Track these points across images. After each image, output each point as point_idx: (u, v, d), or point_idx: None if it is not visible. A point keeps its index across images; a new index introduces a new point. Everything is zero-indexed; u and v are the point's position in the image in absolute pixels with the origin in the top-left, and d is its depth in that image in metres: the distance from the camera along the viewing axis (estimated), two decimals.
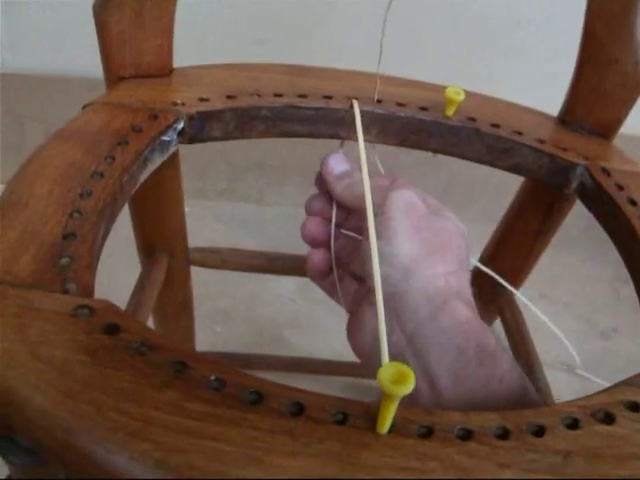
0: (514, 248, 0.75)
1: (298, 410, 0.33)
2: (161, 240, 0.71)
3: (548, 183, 0.61)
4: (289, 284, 1.25)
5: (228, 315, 1.17)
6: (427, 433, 0.33)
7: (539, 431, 0.34)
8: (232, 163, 1.38)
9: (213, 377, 0.34)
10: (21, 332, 0.34)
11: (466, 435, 0.34)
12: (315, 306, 1.18)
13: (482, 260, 0.77)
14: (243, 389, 0.34)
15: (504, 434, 0.34)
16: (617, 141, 0.64)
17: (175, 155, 0.64)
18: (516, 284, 0.75)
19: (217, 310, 1.18)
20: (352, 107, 0.57)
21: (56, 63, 1.19)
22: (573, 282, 1.37)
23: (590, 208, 0.58)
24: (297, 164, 1.37)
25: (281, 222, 1.40)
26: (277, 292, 1.24)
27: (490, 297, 0.78)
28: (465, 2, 1.16)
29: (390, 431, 0.33)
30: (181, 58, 0.62)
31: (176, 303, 0.79)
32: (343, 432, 0.32)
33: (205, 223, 1.36)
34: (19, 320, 0.35)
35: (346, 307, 0.54)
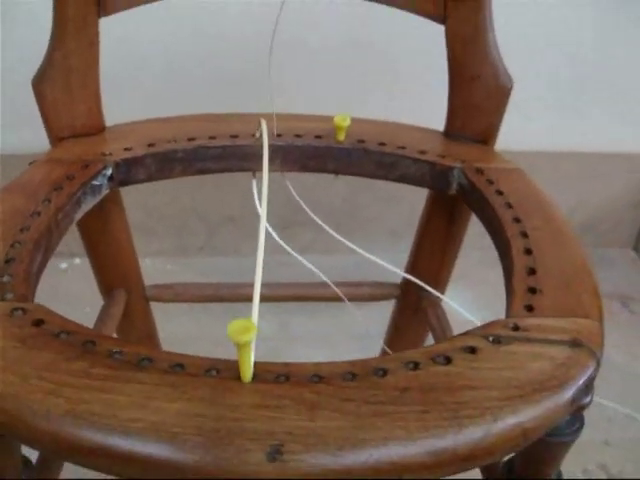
0: (429, 255, 0.83)
1: (180, 369, 0.42)
2: (116, 278, 0.80)
3: (433, 188, 0.69)
4: (268, 323, 1.32)
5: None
6: (284, 380, 0.42)
7: (382, 373, 0.42)
8: (206, 220, 1.45)
9: (114, 350, 0.43)
10: None
11: (317, 380, 0.42)
12: (293, 342, 1.25)
13: (406, 270, 0.85)
14: (137, 356, 0.43)
15: (352, 378, 0.42)
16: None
17: (116, 200, 0.74)
18: (438, 290, 0.82)
19: (194, 352, 1.24)
20: (260, 127, 0.65)
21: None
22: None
23: (469, 205, 0.67)
24: (267, 215, 1.44)
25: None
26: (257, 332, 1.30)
27: (416, 305, 0.86)
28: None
29: (253, 380, 0.42)
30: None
31: (138, 337, 0.88)
32: (214, 382, 0.41)
33: (187, 279, 1.44)
34: None
35: None
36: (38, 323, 0.45)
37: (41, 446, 0.40)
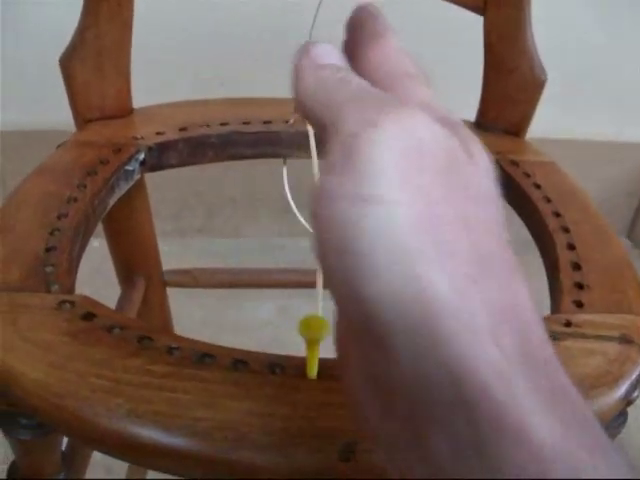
0: None
1: (243, 366, 0.41)
2: (136, 264, 0.79)
3: None
4: (270, 308, 1.32)
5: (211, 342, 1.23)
6: None
7: None
8: (207, 202, 1.44)
9: (173, 345, 0.42)
10: (13, 324, 0.42)
11: None
12: (294, 327, 1.24)
13: None
14: (197, 352, 0.41)
15: None
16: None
17: (142, 185, 0.72)
18: None
19: (200, 338, 1.24)
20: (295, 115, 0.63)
21: (34, 119, 1.26)
22: (535, 281, 1.44)
23: (505, 198, 0.65)
24: (268, 197, 1.44)
25: (258, 253, 1.47)
26: (258, 317, 1.31)
27: None
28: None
29: (319, 377, 0.41)
30: (147, 100, 0.70)
31: (155, 324, 0.86)
32: (279, 380, 0.40)
33: (185, 260, 1.42)
34: (10, 315, 0.43)
35: None
36: (88, 317, 0.44)
37: (103, 446, 0.39)
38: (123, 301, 0.75)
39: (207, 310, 1.29)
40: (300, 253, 1.44)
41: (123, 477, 0.89)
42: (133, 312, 0.74)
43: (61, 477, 0.52)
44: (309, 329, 0.38)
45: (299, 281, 0.86)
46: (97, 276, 1.06)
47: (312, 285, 0.82)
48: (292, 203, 0.64)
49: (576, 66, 1.33)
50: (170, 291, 0.88)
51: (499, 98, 0.72)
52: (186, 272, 0.83)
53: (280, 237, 1.48)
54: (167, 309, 0.89)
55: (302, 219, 0.65)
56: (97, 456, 0.60)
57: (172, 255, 1.43)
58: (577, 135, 1.45)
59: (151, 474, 0.93)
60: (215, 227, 1.48)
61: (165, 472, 0.39)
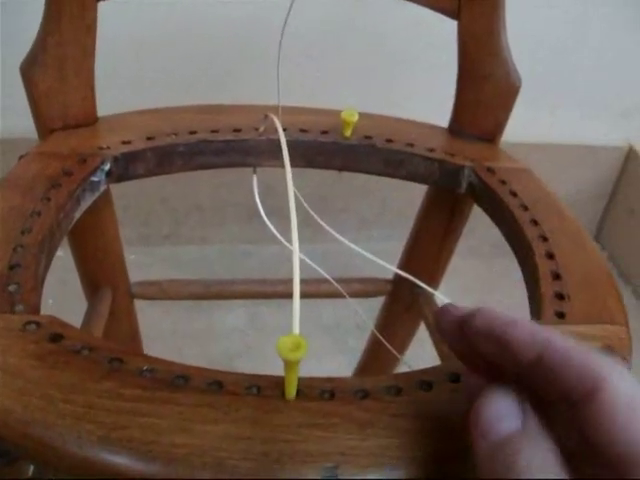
0: (425, 252, 0.82)
1: (217, 387, 0.39)
2: (103, 275, 0.77)
3: (441, 186, 0.68)
4: (240, 316, 1.30)
5: (181, 351, 1.21)
6: (330, 396, 0.39)
7: (428, 387, 0.41)
8: (173, 208, 1.43)
9: (145, 367, 0.40)
10: None
11: (364, 395, 0.40)
12: (265, 336, 1.23)
13: (399, 266, 0.84)
14: (170, 374, 0.40)
15: (397, 392, 0.40)
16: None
17: (108, 196, 0.70)
18: (432, 286, 0.81)
19: (170, 348, 1.22)
20: (266, 117, 0.62)
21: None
22: (510, 286, 1.44)
23: (480, 205, 0.65)
24: (234, 203, 1.43)
25: (225, 259, 1.45)
26: (228, 325, 1.29)
27: (410, 301, 0.84)
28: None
29: (297, 397, 0.39)
30: (112, 109, 0.68)
31: (123, 336, 0.84)
32: (257, 401, 0.38)
33: (152, 269, 1.41)
34: None
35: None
36: (56, 338, 0.42)
37: (73, 475, 0.37)
38: (90, 314, 0.73)
39: (175, 319, 1.28)
40: (266, 260, 1.43)
41: None
42: (101, 325, 0.72)
43: None
44: (288, 349, 0.37)
45: (269, 291, 0.84)
46: (62, 287, 1.04)
47: (282, 296, 0.81)
48: (262, 210, 0.63)
49: (545, 67, 1.34)
50: (138, 301, 0.86)
51: (473, 104, 0.71)
52: (154, 284, 0.81)
53: (247, 244, 1.47)
54: (135, 321, 0.87)
55: (271, 226, 0.63)
56: None
57: (138, 264, 1.42)
58: (544, 138, 1.45)
59: None
60: (182, 234, 1.47)
61: None
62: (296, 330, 0.39)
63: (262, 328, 1.26)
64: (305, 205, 0.66)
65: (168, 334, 1.24)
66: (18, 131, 1.15)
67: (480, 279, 1.46)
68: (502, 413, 0.32)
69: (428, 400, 0.40)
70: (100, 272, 0.77)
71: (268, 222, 0.64)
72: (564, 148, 1.47)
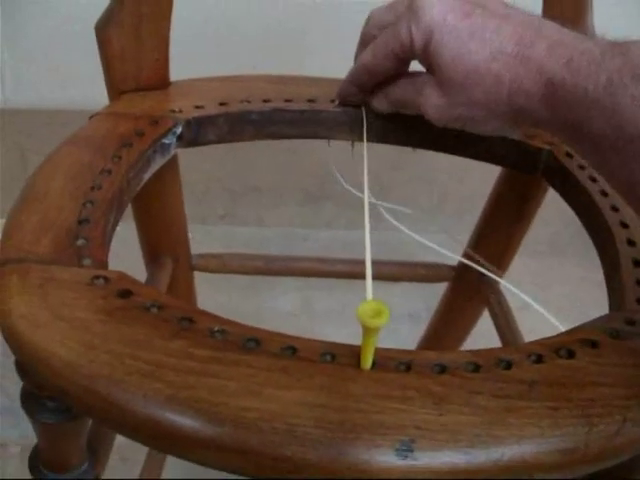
0: (495, 237, 0.79)
1: (291, 352, 0.38)
2: (165, 244, 0.76)
3: (515, 168, 0.65)
4: (292, 299, 1.29)
5: None
6: (406, 369, 0.38)
7: (507, 365, 0.39)
8: (230, 189, 1.42)
9: (216, 328, 0.39)
10: (44, 299, 0.39)
11: (441, 370, 0.38)
12: (317, 319, 1.22)
13: (466, 250, 0.82)
14: (242, 337, 0.38)
15: (475, 368, 0.38)
16: None
17: (175, 162, 0.69)
18: (499, 273, 0.79)
19: None
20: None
21: (56, 97, 1.24)
22: (566, 286, 1.41)
23: (556, 188, 0.63)
24: (292, 186, 1.42)
25: (281, 242, 1.45)
26: (281, 307, 1.28)
27: (476, 288, 0.82)
28: None
29: (373, 368, 0.37)
30: (180, 76, 0.67)
31: None
32: (331, 369, 0.37)
33: (208, 247, 1.40)
34: (42, 290, 0.40)
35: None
36: (125, 294, 0.41)
37: (137, 434, 0.36)
38: (150, 282, 0.72)
39: (227, 299, 1.27)
40: (322, 245, 1.41)
41: (138, 465, 0.86)
42: None
43: (85, 466, 0.49)
44: (368, 315, 0.35)
45: (328, 270, 0.83)
46: (116, 260, 1.03)
47: (341, 275, 0.79)
48: (340, 178, 0.61)
49: None
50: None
51: None
52: (215, 256, 0.80)
53: (303, 228, 1.46)
54: (194, 294, 0.86)
55: (352, 189, 0.61)
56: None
57: (194, 242, 1.42)
58: None
59: (168, 467, 0.90)
60: (238, 215, 1.46)
61: (206, 465, 0.36)
62: (369, 296, 0.37)
63: (314, 313, 1.25)
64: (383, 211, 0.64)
65: (223, 313, 1.23)
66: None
67: (534, 277, 1.43)
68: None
69: (507, 378, 0.38)
70: (162, 240, 0.76)
71: (341, 178, 0.62)
72: None
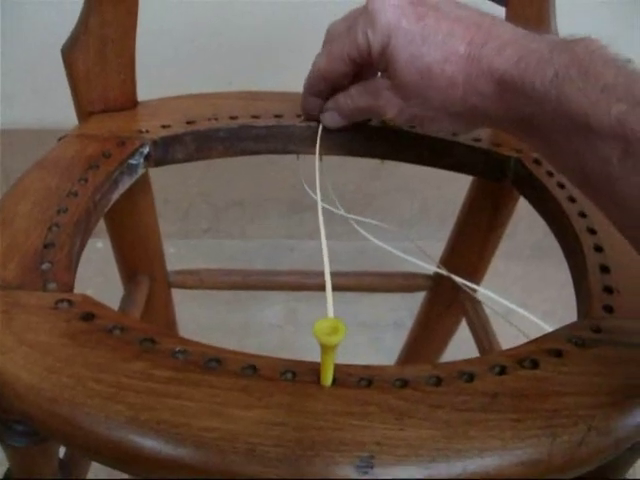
0: (469, 247, 0.80)
1: (252, 371, 0.38)
2: (140, 263, 0.76)
3: (487, 178, 0.66)
4: (277, 312, 1.29)
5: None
6: (367, 384, 0.38)
7: (469, 378, 0.39)
8: (213, 203, 1.42)
9: (177, 349, 0.39)
10: (8, 324, 0.40)
11: (402, 384, 0.38)
12: (301, 330, 1.22)
13: (441, 261, 0.82)
14: (203, 356, 0.39)
15: (437, 382, 0.38)
16: None
17: (146, 181, 0.70)
18: (475, 281, 0.80)
19: (206, 342, 1.21)
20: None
21: (40, 117, 1.24)
22: (550, 290, 1.41)
23: (526, 197, 0.63)
24: (275, 198, 1.42)
25: (265, 254, 1.45)
26: (265, 320, 1.28)
27: (453, 296, 0.82)
28: None
29: (334, 384, 0.38)
30: (152, 96, 0.68)
31: (159, 326, 0.84)
32: (292, 387, 0.37)
33: (192, 262, 1.40)
34: (7, 315, 0.40)
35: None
36: (88, 317, 0.41)
37: (100, 457, 0.37)
38: (126, 301, 0.73)
39: (213, 313, 1.27)
40: (308, 255, 1.42)
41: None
42: (137, 313, 0.71)
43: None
44: (325, 333, 0.35)
45: (308, 283, 0.83)
46: (100, 278, 1.04)
47: (322, 288, 0.79)
48: (310, 191, 0.61)
49: None
50: (175, 294, 0.85)
51: None
52: (192, 273, 0.80)
53: (288, 239, 1.46)
54: (172, 311, 0.86)
55: (312, 194, 0.62)
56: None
57: (178, 257, 1.42)
58: None
59: None
60: (222, 229, 1.46)
61: None
62: (330, 314, 0.38)
63: (300, 324, 1.24)
64: (337, 202, 0.64)
65: (205, 328, 1.23)
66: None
67: (519, 282, 1.43)
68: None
69: (469, 391, 0.38)
70: (137, 259, 0.76)
71: (311, 192, 0.62)
72: None
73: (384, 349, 1.22)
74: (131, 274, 0.76)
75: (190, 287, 0.81)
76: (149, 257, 0.77)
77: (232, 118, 0.64)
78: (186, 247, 1.43)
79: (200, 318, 1.24)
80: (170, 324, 0.87)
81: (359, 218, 0.63)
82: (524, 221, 1.34)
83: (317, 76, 0.57)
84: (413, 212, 1.45)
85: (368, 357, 1.20)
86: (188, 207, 1.41)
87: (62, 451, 0.52)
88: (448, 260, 0.82)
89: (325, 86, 0.58)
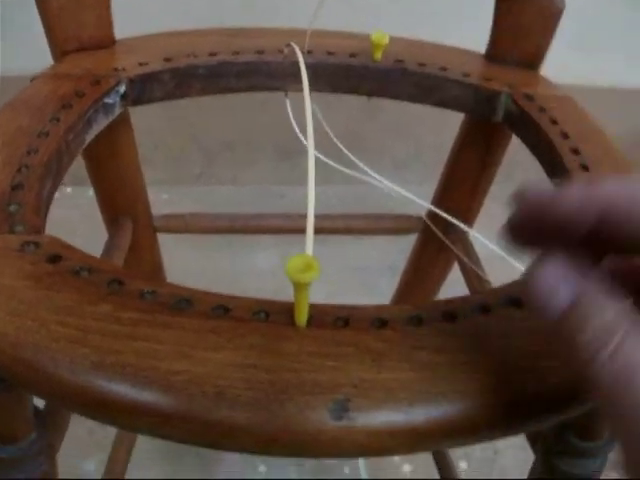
0: (460, 187, 0.78)
1: (223, 312, 0.37)
2: (122, 205, 0.74)
3: (477, 115, 0.64)
4: (269, 257, 1.28)
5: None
6: (344, 324, 0.37)
7: (451, 318, 0.38)
8: (204, 148, 1.41)
9: (146, 290, 0.37)
10: None
11: (381, 324, 0.37)
12: None
13: (433, 202, 0.80)
14: (173, 297, 0.37)
15: (418, 322, 0.37)
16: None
17: (126, 121, 0.67)
18: (467, 223, 0.78)
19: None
20: (289, 47, 0.59)
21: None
22: None
23: (517, 134, 0.61)
24: (266, 143, 1.40)
25: (257, 200, 1.43)
26: (257, 266, 1.27)
27: (442, 241, 0.81)
28: None
29: (309, 325, 0.36)
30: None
31: (144, 270, 0.82)
32: (264, 327, 0.36)
33: (184, 208, 1.39)
34: None
35: None
36: (54, 259, 0.39)
37: (64, 402, 0.36)
38: (109, 246, 0.71)
39: (203, 260, 1.26)
40: (300, 201, 1.40)
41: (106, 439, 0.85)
42: (120, 258, 0.69)
43: (32, 437, 0.48)
44: (298, 270, 0.34)
45: (296, 227, 0.81)
46: (88, 225, 1.02)
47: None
48: (298, 132, 0.59)
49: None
50: (165, 240, 0.84)
51: (513, 27, 0.66)
52: (177, 217, 0.79)
53: (279, 185, 1.44)
54: (158, 256, 0.84)
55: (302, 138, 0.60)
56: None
57: (170, 203, 1.40)
58: (598, 82, 1.40)
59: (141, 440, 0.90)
60: (213, 174, 1.45)
61: (136, 432, 0.35)
62: (309, 250, 0.36)
63: None
64: (335, 140, 0.63)
65: (195, 274, 1.21)
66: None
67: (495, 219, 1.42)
68: (553, 288, 0.30)
69: (452, 332, 0.37)
70: (119, 201, 0.74)
71: (301, 136, 0.60)
72: (617, 92, 1.42)
73: (380, 293, 1.21)
74: (113, 216, 0.75)
75: (175, 231, 0.79)
76: (132, 200, 0.75)
77: (212, 55, 0.62)
78: (177, 194, 1.41)
79: (190, 264, 1.23)
80: (156, 269, 0.85)
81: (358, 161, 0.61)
82: (521, 162, 1.32)
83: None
84: (409, 154, 1.43)
85: (361, 301, 1.19)
86: (179, 153, 1.40)
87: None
88: (440, 201, 0.80)
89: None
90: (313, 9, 0.57)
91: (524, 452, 0.59)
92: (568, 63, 1.30)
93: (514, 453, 1.08)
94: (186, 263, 1.20)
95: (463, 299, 0.40)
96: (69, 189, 1.30)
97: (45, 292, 0.37)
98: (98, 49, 0.62)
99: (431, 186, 0.82)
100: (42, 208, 0.44)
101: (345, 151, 0.61)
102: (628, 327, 0.27)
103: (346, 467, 1.05)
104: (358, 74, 0.63)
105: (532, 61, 0.67)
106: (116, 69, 0.59)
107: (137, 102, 0.59)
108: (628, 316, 0.28)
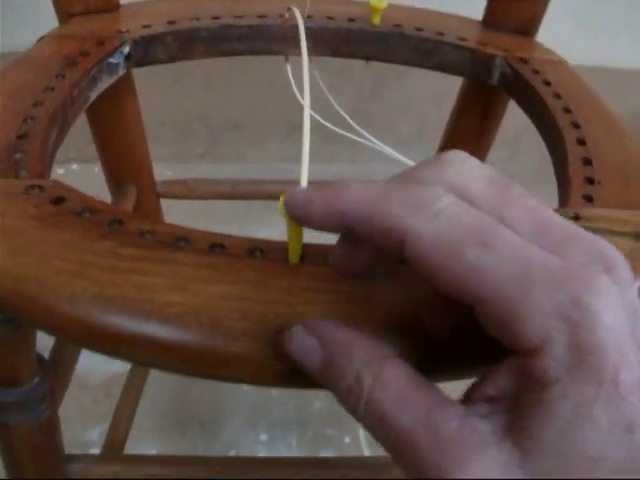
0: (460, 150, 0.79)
1: (220, 249, 0.38)
2: (127, 171, 0.76)
3: (472, 77, 0.65)
4: (274, 232, 1.28)
5: None
6: None
7: None
8: (210, 126, 1.41)
9: (146, 229, 0.39)
10: None
11: None
12: None
13: None
14: (171, 236, 0.38)
15: None
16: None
17: (129, 83, 0.69)
18: None
19: None
20: (290, 11, 0.60)
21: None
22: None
23: (512, 96, 0.62)
24: (273, 122, 1.41)
25: (264, 177, 1.44)
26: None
27: None
28: None
29: (302, 262, 0.38)
30: None
31: None
32: (259, 264, 0.37)
33: None
34: None
35: None
36: (58, 201, 0.41)
37: (65, 334, 0.37)
38: None
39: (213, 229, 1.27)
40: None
41: (111, 409, 0.86)
42: None
43: (36, 381, 0.49)
44: None
45: None
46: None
47: None
48: (300, 97, 0.60)
49: None
50: (170, 212, 0.85)
51: None
52: (180, 182, 0.80)
53: (286, 162, 1.45)
54: (161, 221, 0.85)
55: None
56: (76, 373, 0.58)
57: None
58: (605, 62, 1.40)
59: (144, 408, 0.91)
60: (219, 153, 1.45)
61: (133, 362, 0.36)
62: (304, 184, 0.37)
63: None
64: (333, 102, 0.64)
65: None
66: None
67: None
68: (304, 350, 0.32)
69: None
70: (124, 167, 0.75)
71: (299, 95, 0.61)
72: (624, 73, 1.42)
73: None
74: (118, 182, 0.76)
75: (178, 197, 0.80)
76: (136, 166, 0.76)
77: (214, 18, 0.63)
78: (183, 171, 1.42)
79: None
80: None
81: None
82: (526, 144, 1.33)
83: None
84: (412, 131, 1.43)
85: None
86: (185, 130, 1.40)
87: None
88: None
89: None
90: None
91: None
92: (573, 43, 1.31)
93: None
94: None
95: None
96: (75, 166, 1.32)
97: (48, 230, 0.38)
98: (103, 13, 0.63)
99: None
100: (47, 156, 0.46)
101: (337, 107, 0.62)
102: (377, 371, 0.28)
103: (347, 437, 1.06)
104: (357, 38, 0.64)
105: (528, 28, 0.69)
106: (120, 31, 0.60)
107: (141, 63, 0.61)
108: (377, 358, 0.29)
